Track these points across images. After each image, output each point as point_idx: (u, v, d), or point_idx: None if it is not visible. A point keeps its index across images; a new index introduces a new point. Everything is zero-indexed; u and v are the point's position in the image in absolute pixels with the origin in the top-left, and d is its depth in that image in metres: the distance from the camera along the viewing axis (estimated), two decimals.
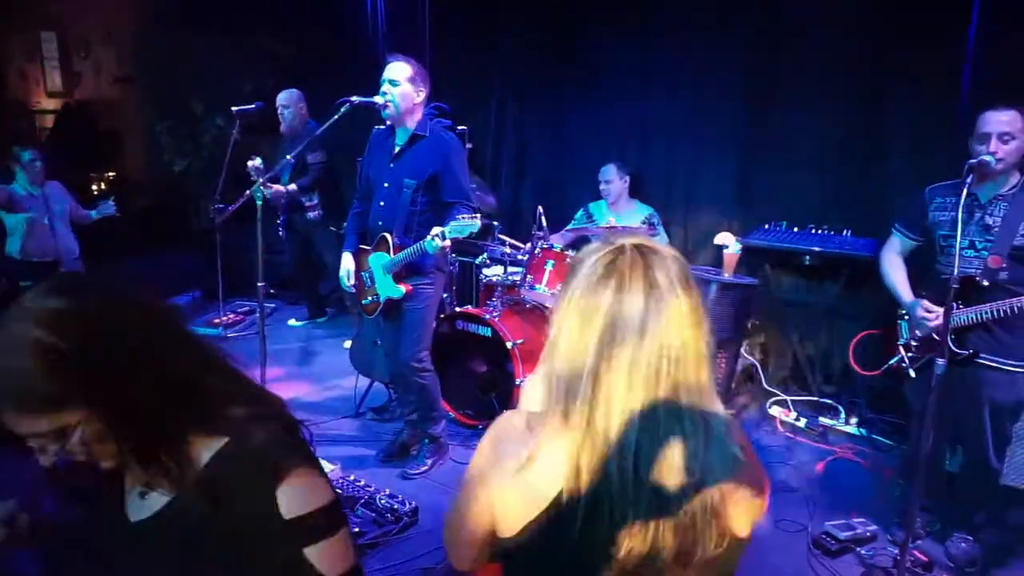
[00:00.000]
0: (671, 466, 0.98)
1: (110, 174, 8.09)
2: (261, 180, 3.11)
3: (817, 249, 3.75)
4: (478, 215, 2.79)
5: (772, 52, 4.24)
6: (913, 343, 2.76)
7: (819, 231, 3.88)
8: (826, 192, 4.15)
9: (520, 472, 1.02)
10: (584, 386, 0.98)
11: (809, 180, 4.20)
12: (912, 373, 2.70)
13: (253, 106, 4.52)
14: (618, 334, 0.97)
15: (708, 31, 4.42)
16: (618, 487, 0.97)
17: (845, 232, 3.83)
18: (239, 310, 5.70)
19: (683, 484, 0.98)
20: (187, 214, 6.80)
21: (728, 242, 3.48)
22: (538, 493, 1.01)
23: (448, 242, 2.80)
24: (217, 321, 5.42)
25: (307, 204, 5.09)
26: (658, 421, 0.97)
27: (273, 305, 6.07)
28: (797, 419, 3.85)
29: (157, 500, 1.05)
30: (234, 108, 4.57)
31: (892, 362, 2.83)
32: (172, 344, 1.03)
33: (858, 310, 3.79)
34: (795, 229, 3.96)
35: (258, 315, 3.24)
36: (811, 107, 4.12)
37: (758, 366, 4.04)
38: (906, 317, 2.81)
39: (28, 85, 9.65)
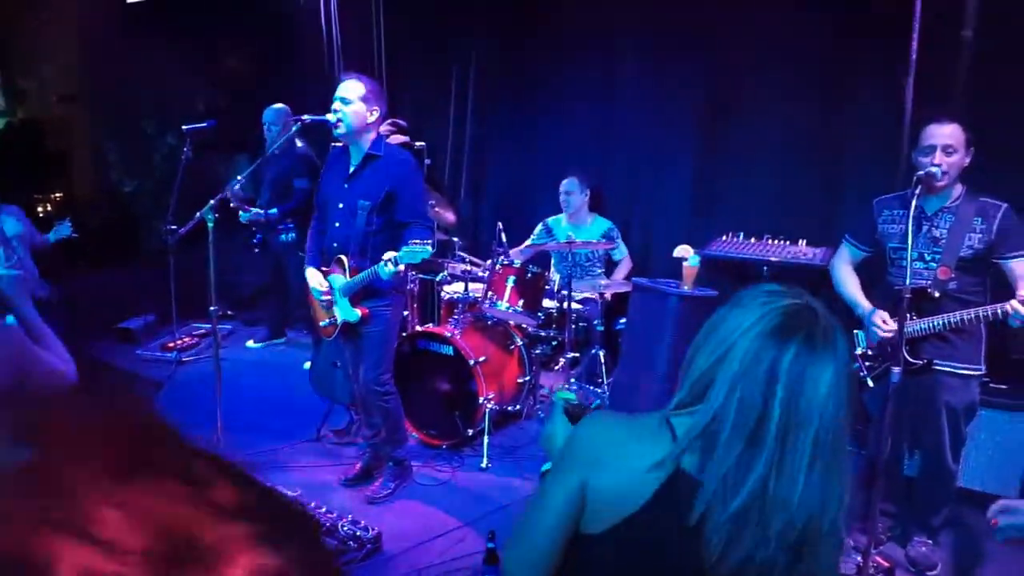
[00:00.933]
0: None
1: (57, 195, 7.86)
2: (234, 204, 3.04)
3: (774, 259, 3.80)
4: (430, 241, 2.76)
5: (730, 66, 4.32)
6: (870, 352, 2.80)
7: (775, 241, 3.94)
8: (781, 203, 4.23)
9: (648, 468, 1.01)
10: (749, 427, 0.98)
11: (765, 191, 4.28)
12: (870, 382, 2.74)
13: (205, 124, 4.42)
14: (796, 393, 0.98)
15: (668, 44, 4.50)
16: (751, 537, 0.97)
17: (800, 242, 3.90)
18: (194, 332, 5.55)
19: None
20: (139, 235, 6.61)
21: (687, 255, 3.51)
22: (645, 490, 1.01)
23: (401, 267, 2.76)
24: (171, 345, 5.27)
25: (280, 227, 5.02)
26: (815, 488, 0.98)
27: (230, 327, 5.93)
28: None
29: None
30: (185, 127, 4.46)
31: None
32: None
33: None
34: (752, 240, 4.02)
35: (213, 339, 3.16)
36: (767, 120, 4.21)
37: None
38: (862, 327, 2.86)
39: None
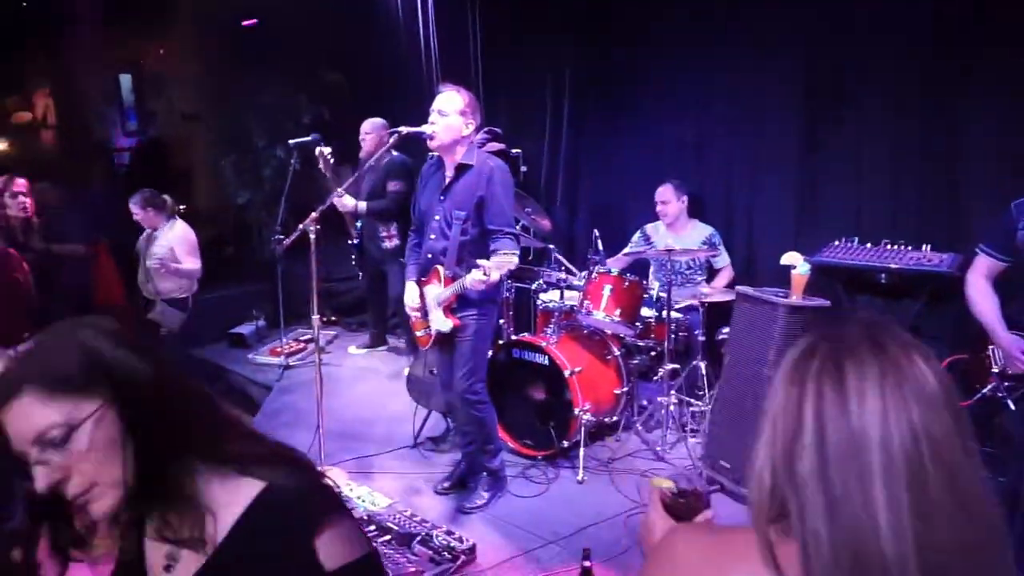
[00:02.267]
0: None
1: (181, 207, 8.42)
2: (338, 191, 3.15)
3: (894, 266, 3.51)
4: (516, 252, 2.76)
5: (835, 58, 4.05)
6: (1009, 371, 2.52)
7: (895, 246, 3.65)
8: (900, 205, 3.91)
9: None
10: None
11: (881, 192, 3.97)
12: (1011, 404, 2.46)
13: (309, 138, 4.59)
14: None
15: (766, 39, 4.27)
16: None
17: (924, 247, 3.58)
18: (301, 338, 5.77)
19: None
20: (251, 244, 6.97)
21: (796, 262, 3.29)
22: None
23: (491, 277, 2.74)
24: (279, 349, 5.51)
25: (383, 234, 5.01)
26: None
27: (334, 332, 6.14)
28: None
29: (185, 570, 0.99)
30: (291, 141, 4.65)
31: (986, 391, 2.59)
32: (203, 396, 1.07)
33: (943, 332, 3.52)
34: (868, 245, 3.73)
35: (316, 349, 3.25)
36: (879, 113, 3.91)
37: None
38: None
39: (106, 126, 10.21)
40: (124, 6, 8.24)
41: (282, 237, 4.42)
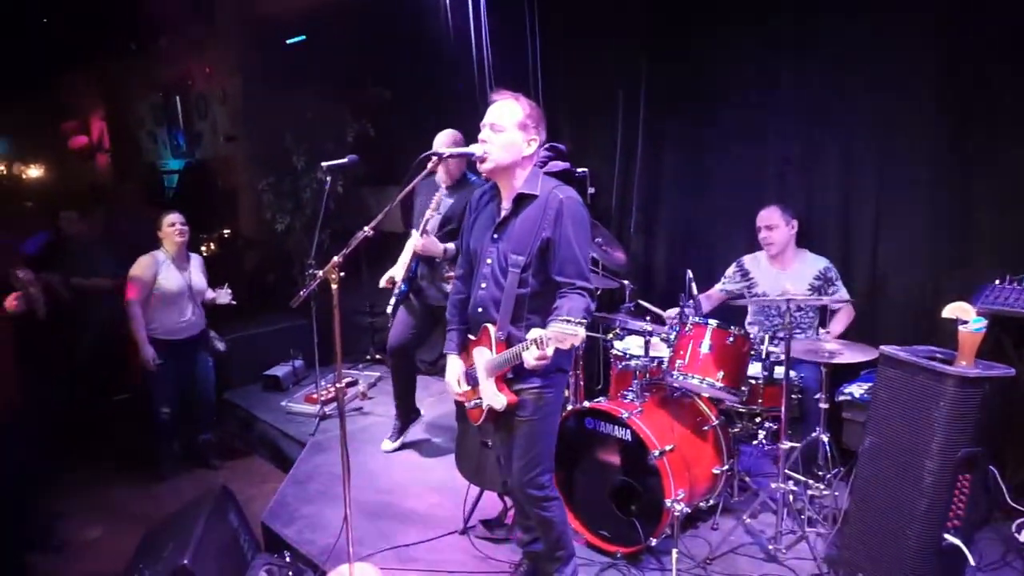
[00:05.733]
0: None
1: (226, 231, 8.03)
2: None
3: None
4: (583, 321, 2.07)
5: (977, 47, 3.21)
6: None
7: None
8: None
9: None
10: None
11: None
12: None
13: (345, 160, 4.00)
14: None
15: (889, 28, 3.45)
16: None
17: None
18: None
19: None
20: (291, 275, 6.45)
21: (966, 316, 2.49)
22: None
23: (549, 352, 2.08)
24: (315, 396, 4.91)
25: (448, 273, 3.73)
26: None
27: (377, 374, 5.52)
28: None
29: None
30: (324, 164, 4.07)
31: None
32: None
33: None
34: None
35: (340, 422, 2.61)
36: None
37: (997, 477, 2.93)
38: None
39: (157, 147, 10.02)
40: (173, 26, 7.99)
41: (315, 272, 3.84)
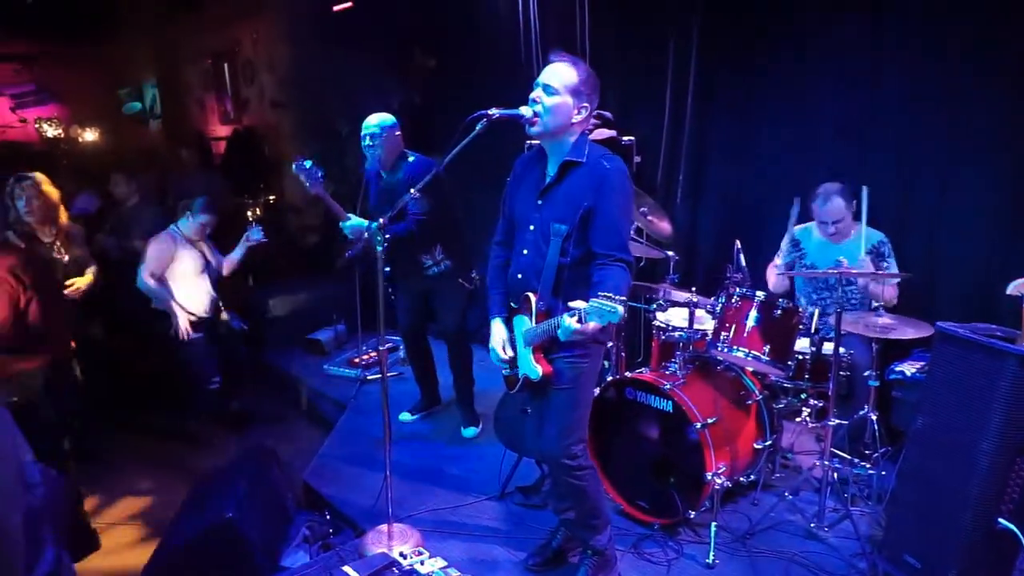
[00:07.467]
0: None
1: (271, 198, 8.13)
2: (382, 220, 2.47)
3: None
4: (622, 299, 1.99)
5: None
6: None
7: None
8: None
9: None
10: None
11: None
12: None
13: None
14: None
15: None
16: None
17: None
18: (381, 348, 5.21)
19: None
20: (335, 241, 6.51)
21: None
22: None
23: (589, 326, 2.02)
24: (356, 360, 4.98)
25: (428, 262, 3.77)
26: None
27: None
28: None
29: None
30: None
31: None
32: None
33: None
34: None
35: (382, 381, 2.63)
36: None
37: None
38: None
39: (206, 114, 10.16)
40: None
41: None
